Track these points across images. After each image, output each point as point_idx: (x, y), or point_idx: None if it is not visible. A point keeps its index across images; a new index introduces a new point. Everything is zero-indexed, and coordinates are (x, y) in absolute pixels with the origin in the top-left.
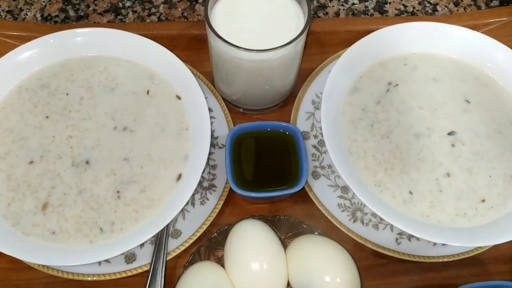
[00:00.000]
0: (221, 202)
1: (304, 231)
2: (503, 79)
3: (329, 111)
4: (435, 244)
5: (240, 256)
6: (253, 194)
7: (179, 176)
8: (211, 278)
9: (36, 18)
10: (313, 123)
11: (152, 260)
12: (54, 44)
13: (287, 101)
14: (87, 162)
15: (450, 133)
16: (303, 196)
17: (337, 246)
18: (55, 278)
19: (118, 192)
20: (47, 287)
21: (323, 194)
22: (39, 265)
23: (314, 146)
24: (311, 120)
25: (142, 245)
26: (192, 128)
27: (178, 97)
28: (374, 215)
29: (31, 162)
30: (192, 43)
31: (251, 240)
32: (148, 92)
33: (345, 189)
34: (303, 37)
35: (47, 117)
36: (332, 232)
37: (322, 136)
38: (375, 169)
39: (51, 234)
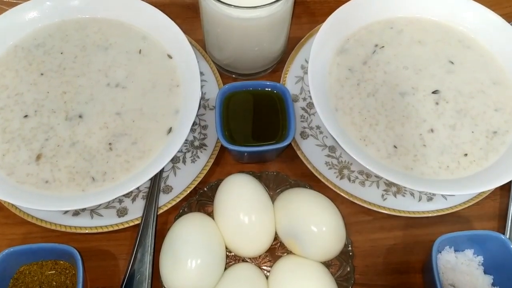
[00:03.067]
0: (211, 160)
1: (292, 186)
2: (486, 41)
3: (316, 70)
4: (420, 199)
5: (229, 208)
6: (243, 149)
7: (170, 129)
8: (201, 227)
9: None
10: (302, 86)
11: (143, 214)
12: (50, 6)
13: (278, 67)
14: (80, 116)
15: (434, 92)
16: (292, 156)
17: (323, 197)
18: (49, 232)
19: (110, 144)
20: (41, 240)
21: (311, 153)
22: (32, 217)
23: (303, 108)
24: (300, 84)
25: (134, 199)
26: (183, 85)
27: (170, 56)
28: (361, 172)
29: (25, 116)
30: (184, 12)
31: (239, 192)
32: (140, 51)
33: (332, 148)
34: None
35: (42, 74)
36: (320, 189)
37: (310, 98)
38: (361, 124)
39: (45, 183)
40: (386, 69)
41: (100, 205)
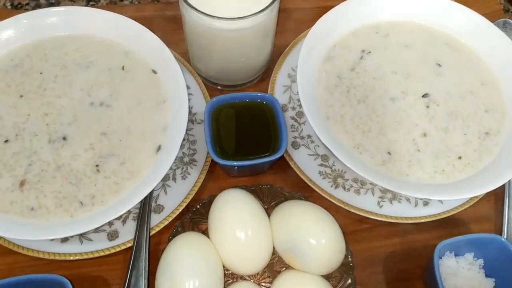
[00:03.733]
0: (203, 176)
1: (287, 198)
2: (472, 42)
3: (305, 79)
4: (416, 205)
5: (224, 225)
6: (235, 163)
7: (159, 147)
8: (196, 247)
9: (6, 6)
10: (290, 95)
11: (135, 236)
12: (27, 24)
13: (264, 77)
14: (64, 138)
15: (424, 95)
16: (285, 167)
17: (320, 208)
18: (37, 261)
19: (97, 165)
20: (29, 270)
21: (304, 163)
22: (18, 246)
23: (293, 118)
24: (288, 93)
25: (124, 221)
26: (169, 101)
27: (154, 72)
28: (355, 180)
29: (6, 141)
30: (166, 24)
31: (234, 208)
32: (123, 67)
33: (325, 157)
34: (276, 4)
35: (21, 96)
36: (315, 200)
37: (300, 107)
38: (353, 132)
39: (30, 210)
40: (375, 75)
41: None
